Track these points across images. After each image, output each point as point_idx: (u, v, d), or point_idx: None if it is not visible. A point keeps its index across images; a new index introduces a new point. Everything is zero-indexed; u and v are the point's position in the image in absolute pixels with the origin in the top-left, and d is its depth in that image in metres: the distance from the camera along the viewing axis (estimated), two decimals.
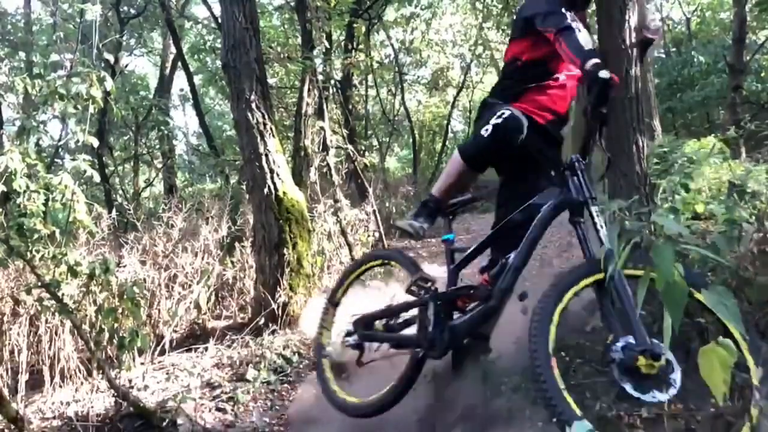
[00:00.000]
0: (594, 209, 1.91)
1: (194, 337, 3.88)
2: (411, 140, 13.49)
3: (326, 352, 2.62)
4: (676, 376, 1.61)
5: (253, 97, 3.98)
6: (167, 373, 3.19)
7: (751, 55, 10.76)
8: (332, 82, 8.65)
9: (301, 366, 3.36)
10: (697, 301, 1.67)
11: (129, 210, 5.19)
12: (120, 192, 10.01)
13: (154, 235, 4.26)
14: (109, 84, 2.95)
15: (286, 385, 3.16)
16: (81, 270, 2.67)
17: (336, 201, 5.63)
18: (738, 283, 2.16)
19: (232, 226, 4.78)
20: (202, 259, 4.22)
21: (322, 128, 6.18)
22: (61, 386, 2.94)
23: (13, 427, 2.26)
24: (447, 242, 2.39)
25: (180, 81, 15.54)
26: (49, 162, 6.93)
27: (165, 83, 12.02)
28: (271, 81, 10.38)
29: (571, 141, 2.08)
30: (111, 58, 7.05)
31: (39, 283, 2.60)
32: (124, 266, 3.83)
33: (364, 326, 2.51)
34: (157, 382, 3.12)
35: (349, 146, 6.74)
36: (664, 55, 14.95)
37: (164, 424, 2.60)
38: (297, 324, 3.78)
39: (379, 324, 2.49)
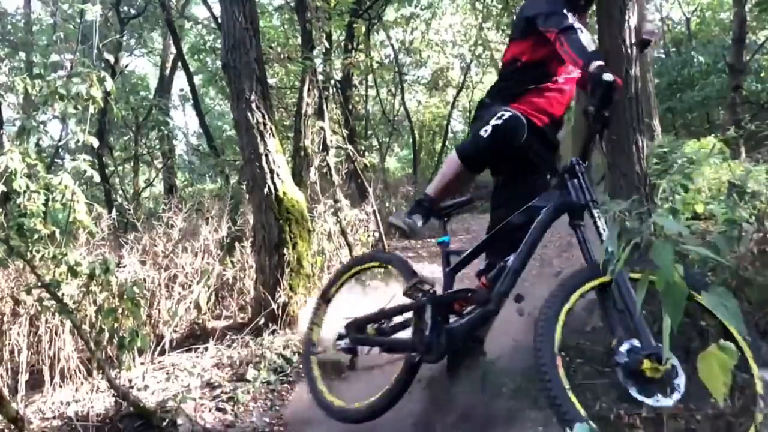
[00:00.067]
0: (596, 212, 1.89)
1: (194, 337, 3.88)
2: (411, 140, 13.49)
3: (315, 350, 2.58)
4: (681, 381, 1.60)
5: (253, 97, 3.97)
6: (167, 373, 3.19)
7: (751, 55, 10.76)
8: (332, 82, 8.65)
9: (301, 366, 3.36)
10: (698, 303, 1.67)
11: (129, 210, 5.19)
12: (120, 192, 10.01)
13: (154, 235, 4.26)
14: (109, 84, 2.95)
15: (286, 385, 3.16)
16: (81, 270, 2.67)
17: (336, 201, 5.63)
18: (738, 283, 2.17)
19: (232, 226, 4.78)
20: (202, 259, 4.22)
21: (322, 128, 6.18)
22: (61, 386, 2.94)
23: (13, 427, 2.26)
24: (442, 245, 2.35)
25: (180, 81, 15.51)
26: (49, 162, 6.94)
27: (165, 83, 12.02)
28: (271, 81, 10.38)
29: (571, 143, 2.08)
30: (111, 58, 7.06)
31: (39, 283, 2.60)
32: (124, 266, 3.82)
33: (356, 330, 2.46)
34: (157, 382, 3.12)
35: (349, 146, 6.73)
36: (664, 55, 14.95)
37: (164, 424, 2.59)
38: (297, 324, 3.78)
39: (371, 328, 2.44)
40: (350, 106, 9.94)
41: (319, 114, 6.46)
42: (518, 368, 2.22)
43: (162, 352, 3.36)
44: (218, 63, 8.16)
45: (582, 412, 1.57)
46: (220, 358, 3.39)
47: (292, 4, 8.32)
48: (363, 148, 9.44)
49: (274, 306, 3.70)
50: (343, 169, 7.88)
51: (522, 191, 2.25)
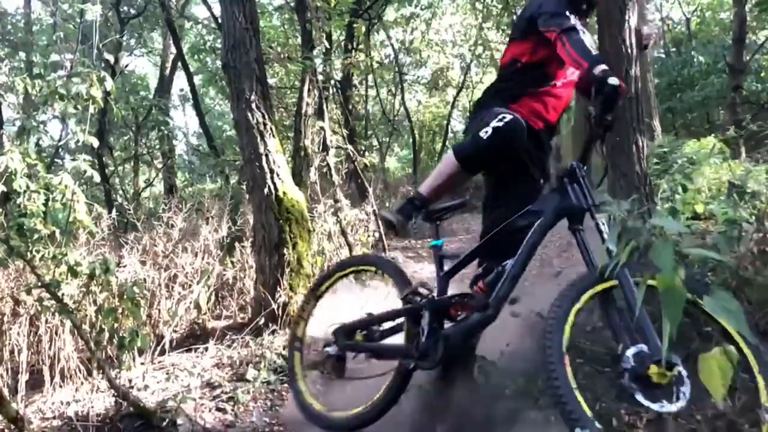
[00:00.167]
0: (598, 217, 1.86)
1: (194, 337, 3.88)
2: (411, 140, 13.49)
3: (299, 346, 2.53)
4: (686, 389, 1.58)
5: (253, 97, 3.97)
6: (167, 373, 3.19)
7: (751, 55, 10.77)
8: (332, 82, 8.66)
9: None
10: (699, 307, 1.65)
11: (129, 210, 5.19)
12: (120, 192, 10.01)
13: (154, 235, 4.26)
14: (109, 84, 2.95)
15: (286, 385, 3.15)
16: (81, 270, 2.67)
17: (336, 201, 5.63)
18: (738, 283, 2.17)
19: (232, 226, 4.78)
20: (202, 259, 4.22)
21: (322, 128, 6.18)
22: (61, 386, 2.94)
23: (13, 427, 2.26)
24: (435, 248, 2.29)
25: (180, 81, 15.57)
26: (49, 162, 6.94)
27: (165, 83, 12.03)
28: (271, 81, 10.39)
29: (572, 144, 2.07)
30: (111, 58, 7.07)
31: (39, 283, 2.60)
32: (124, 266, 3.82)
33: (345, 335, 2.39)
34: (157, 382, 3.12)
35: (349, 146, 6.73)
36: (664, 55, 14.96)
37: (164, 424, 2.59)
38: None
39: (359, 334, 2.37)
40: (350, 106, 9.95)
41: (319, 114, 6.46)
42: (515, 370, 2.21)
43: (162, 352, 3.36)
44: (218, 63, 8.16)
45: (588, 412, 1.55)
46: (220, 358, 3.39)
47: (292, 4, 8.32)
48: (363, 148, 9.44)
49: (274, 306, 3.70)
50: (343, 169, 7.88)
51: (522, 191, 2.24)
